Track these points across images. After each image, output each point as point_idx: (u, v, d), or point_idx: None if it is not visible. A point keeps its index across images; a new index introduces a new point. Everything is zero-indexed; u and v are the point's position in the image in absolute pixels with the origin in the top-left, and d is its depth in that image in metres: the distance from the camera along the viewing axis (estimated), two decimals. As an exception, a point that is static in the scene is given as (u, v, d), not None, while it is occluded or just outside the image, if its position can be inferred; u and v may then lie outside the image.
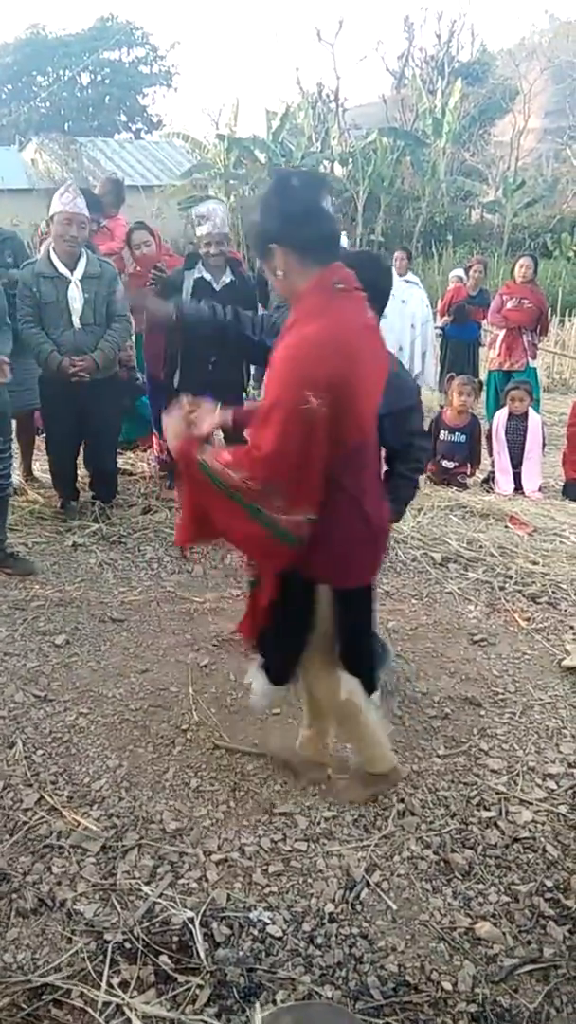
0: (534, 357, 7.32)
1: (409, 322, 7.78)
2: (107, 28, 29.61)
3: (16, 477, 4.86)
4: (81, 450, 4.46)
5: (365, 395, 1.96)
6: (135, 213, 14.41)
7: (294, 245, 1.92)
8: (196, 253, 4.49)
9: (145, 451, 5.37)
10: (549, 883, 2.12)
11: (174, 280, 4.56)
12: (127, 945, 1.91)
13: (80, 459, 4.52)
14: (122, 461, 5.11)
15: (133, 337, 4.93)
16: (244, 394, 5.02)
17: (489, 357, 7.58)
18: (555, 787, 2.47)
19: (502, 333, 7.08)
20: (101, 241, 4.97)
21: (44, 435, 4.77)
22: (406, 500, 2.76)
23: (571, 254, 19.15)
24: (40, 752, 2.57)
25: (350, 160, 20.27)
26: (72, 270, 3.95)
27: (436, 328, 8.53)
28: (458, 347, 8.29)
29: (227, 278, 4.44)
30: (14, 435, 4.90)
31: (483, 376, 7.51)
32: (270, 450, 1.86)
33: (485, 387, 7.28)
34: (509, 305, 6.99)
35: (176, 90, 44.45)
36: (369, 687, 2.29)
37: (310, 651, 2.23)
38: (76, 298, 3.96)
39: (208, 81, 68.07)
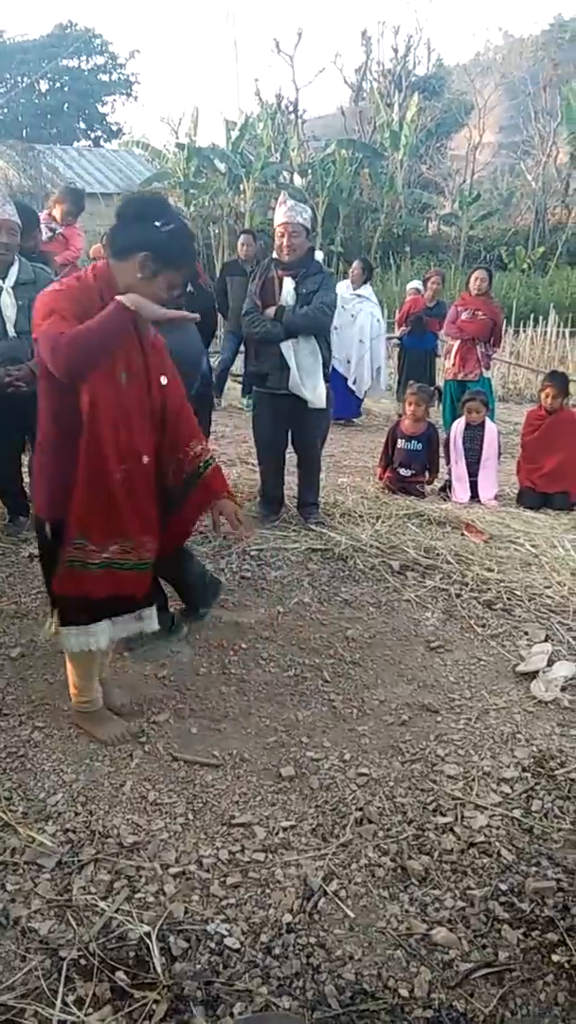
0: (488, 368, 7.46)
1: (357, 337, 7.86)
2: (66, 35, 29.48)
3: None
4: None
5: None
6: (95, 221, 14.33)
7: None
8: None
9: None
10: (504, 887, 2.14)
11: None
12: (82, 962, 1.89)
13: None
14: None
15: None
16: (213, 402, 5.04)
17: (445, 367, 7.71)
18: (509, 791, 2.50)
19: (457, 344, 7.20)
20: (56, 249, 4.91)
21: None
22: None
23: (525, 266, 19.57)
24: (-6, 767, 2.53)
25: (309, 171, 20.47)
26: (3, 278, 3.87)
27: (394, 339, 8.64)
28: (415, 357, 8.41)
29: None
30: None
31: (441, 385, 7.61)
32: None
33: (442, 396, 7.38)
34: (464, 316, 7.12)
35: (136, 98, 44.26)
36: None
37: None
38: (9, 305, 3.86)
39: (168, 90, 68.21)
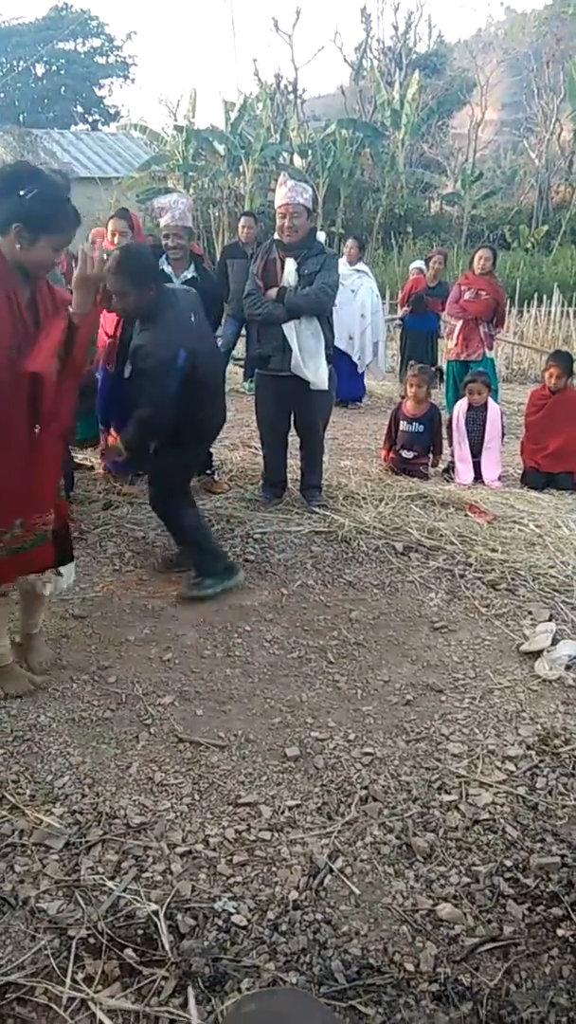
0: (491, 348, 7.40)
1: (359, 312, 7.84)
2: (62, 18, 29.18)
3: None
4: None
5: None
6: (93, 205, 14.24)
7: None
8: (159, 245, 4.46)
9: (95, 448, 5.27)
10: (508, 863, 2.16)
11: None
12: (91, 940, 1.91)
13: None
14: (81, 457, 5.07)
15: None
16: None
17: (447, 347, 7.65)
18: (514, 769, 2.51)
19: (459, 324, 7.14)
20: None
21: None
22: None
23: (529, 245, 19.41)
24: (1, 751, 2.54)
25: (309, 151, 20.29)
26: None
27: (396, 319, 8.59)
28: (417, 338, 8.36)
29: (189, 273, 4.42)
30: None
31: (443, 366, 7.58)
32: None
33: (444, 377, 7.35)
34: (467, 296, 7.05)
35: (133, 81, 43.84)
36: None
37: None
38: None
39: (165, 72, 67.55)
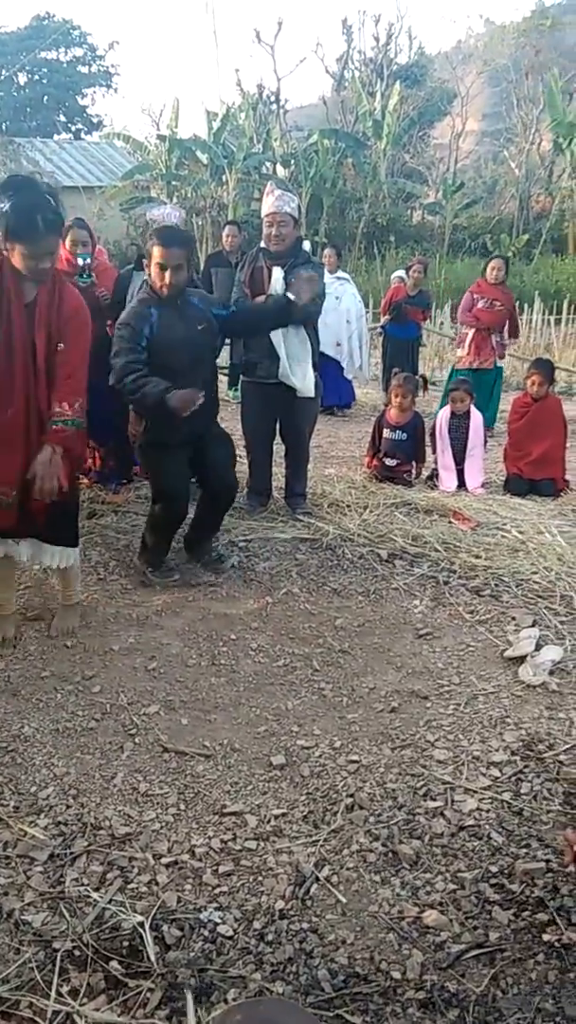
0: (502, 357, 7.44)
1: (344, 318, 7.92)
2: (44, 27, 29.20)
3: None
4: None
5: None
6: (76, 215, 14.24)
7: None
8: (144, 256, 4.47)
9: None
10: (494, 869, 2.16)
11: (123, 279, 4.54)
12: (76, 953, 1.90)
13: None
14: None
15: None
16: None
17: (458, 355, 7.67)
18: (499, 775, 2.52)
19: (471, 332, 7.15)
20: None
21: None
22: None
23: (509, 254, 19.56)
24: (-15, 762, 2.53)
25: (292, 161, 20.41)
26: None
27: (378, 327, 8.65)
28: (398, 346, 8.41)
29: None
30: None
31: (426, 374, 7.62)
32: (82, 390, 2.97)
33: (427, 386, 7.38)
34: (480, 305, 7.08)
35: (116, 90, 44.02)
36: None
37: None
38: None
39: (148, 81, 67.67)
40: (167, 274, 3.43)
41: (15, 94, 29.27)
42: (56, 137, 27.23)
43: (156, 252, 3.44)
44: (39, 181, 2.85)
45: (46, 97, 29.72)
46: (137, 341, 3.48)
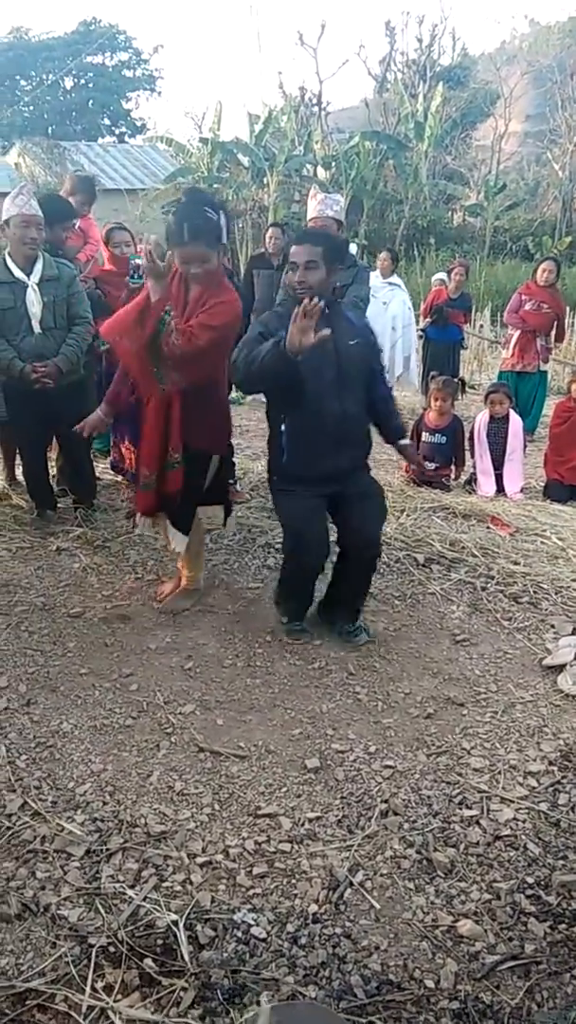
0: (546, 360, 7.37)
1: (390, 325, 7.85)
2: (90, 32, 29.58)
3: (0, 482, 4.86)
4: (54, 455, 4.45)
5: None
6: (119, 217, 14.37)
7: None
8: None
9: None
10: (530, 880, 2.14)
11: None
12: (111, 949, 1.92)
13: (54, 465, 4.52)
14: (101, 468, 5.08)
15: None
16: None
17: (502, 357, 7.62)
18: (536, 785, 2.49)
19: (516, 334, 7.10)
20: (75, 243, 4.89)
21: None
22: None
23: (558, 257, 19.29)
24: (24, 757, 2.57)
25: (333, 164, 20.36)
26: (29, 274, 3.85)
27: (418, 330, 8.59)
28: (438, 349, 8.34)
29: None
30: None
31: (465, 377, 7.56)
32: (202, 346, 2.91)
33: (465, 389, 7.31)
34: (527, 307, 7.03)
35: (159, 94, 44.30)
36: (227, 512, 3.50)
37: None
38: (34, 302, 3.87)
39: (191, 85, 68.15)
40: (296, 273, 3.02)
41: (61, 98, 29.70)
42: (100, 140, 27.57)
43: (290, 250, 3.16)
44: (204, 192, 3.07)
45: (91, 101, 30.10)
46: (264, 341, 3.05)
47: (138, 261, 4.48)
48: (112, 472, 5.04)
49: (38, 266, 3.88)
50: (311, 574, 3.27)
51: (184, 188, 3.16)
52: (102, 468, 5.07)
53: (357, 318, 3.25)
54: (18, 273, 3.84)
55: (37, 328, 3.91)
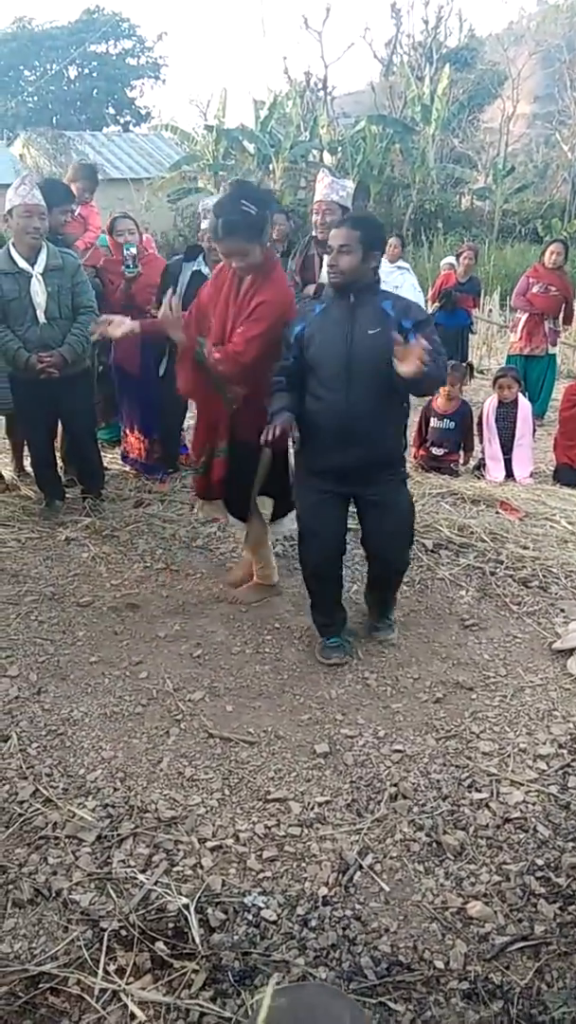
0: (554, 344, 7.30)
1: None
2: (94, 20, 29.40)
3: (8, 473, 4.87)
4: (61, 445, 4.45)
5: None
6: (124, 206, 14.31)
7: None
8: (199, 246, 4.48)
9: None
10: (540, 862, 2.14)
11: (172, 269, 4.54)
12: (123, 932, 1.94)
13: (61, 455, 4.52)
14: (110, 458, 5.10)
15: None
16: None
17: (510, 341, 7.56)
18: (545, 768, 2.49)
19: (524, 317, 7.04)
20: (75, 230, 4.87)
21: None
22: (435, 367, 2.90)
23: (565, 239, 19.12)
24: (35, 745, 2.59)
25: (339, 148, 20.21)
26: (33, 264, 3.84)
27: (427, 316, 8.52)
28: (447, 334, 8.24)
29: None
30: (3, 433, 4.92)
31: (473, 361, 7.51)
32: (246, 362, 2.96)
33: (473, 374, 7.28)
34: (535, 289, 6.97)
35: (164, 82, 43.99)
36: (286, 508, 3.38)
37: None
38: (39, 292, 3.86)
39: (196, 72, 67.76)
40: (330, 257, 2.89)
41: (66, 88, 29.55)
42: (105, 129, 27.46)
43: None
44: (247, 184, 3.12)
45: (96, 90, 29.95)
46: (287, 342, 2.98)
47: (133, 251, 4.46)
48: (121, 462, 5.06)
49: (42, 256, 3.87)
50: (316, 571, 3.12)
51: (229, 181, 3.11)
52: (110, 458, 5.09)
53: (397, 305, 2.88)
54: (22, 263, 3.84)
55: (42, 318, 3.90)
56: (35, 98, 28.69)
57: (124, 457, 5.05)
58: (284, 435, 2.87)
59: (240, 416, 3.12)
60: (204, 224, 4.37)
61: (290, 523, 3.41)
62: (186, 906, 1.99)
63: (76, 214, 4.89)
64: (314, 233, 4.40)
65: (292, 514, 3.33)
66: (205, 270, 4.37)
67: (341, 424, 2.86)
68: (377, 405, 2.86)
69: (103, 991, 1.80)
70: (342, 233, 2.84)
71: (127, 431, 4.96)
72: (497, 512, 4.54)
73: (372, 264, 2.87)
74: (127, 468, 5.05)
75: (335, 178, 4.35)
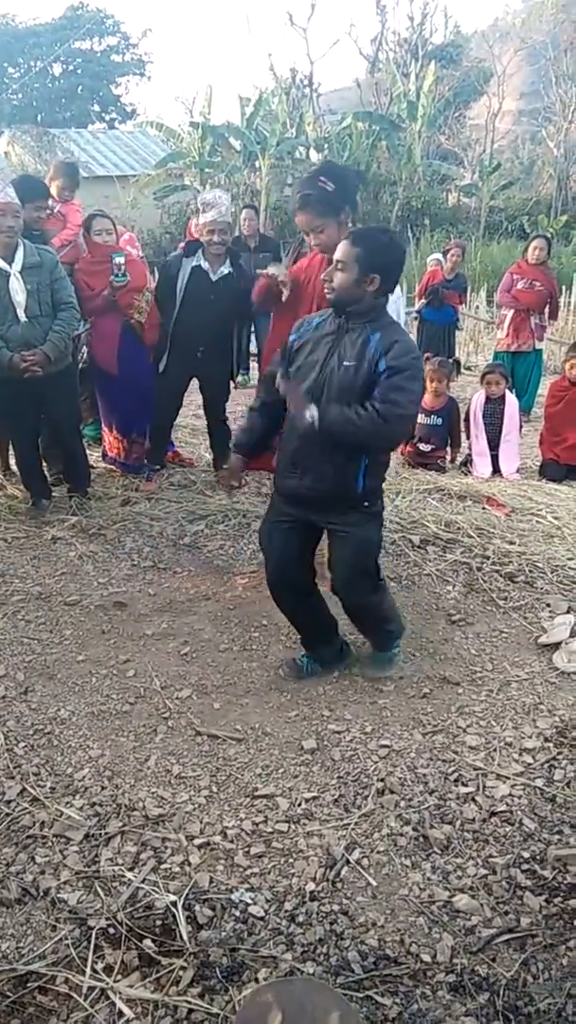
0: (541, 339, 7.32)
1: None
2: (78, 17, 29.25)
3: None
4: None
5: None
6: (110, 204, 14.25)
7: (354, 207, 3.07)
8: (198, 240, 4.45)
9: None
10: (526, 855, 2.15)
11: (171, 266, 4.51)
12: (111, 930, 1.94)
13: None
14: (95, 456, 5.08)
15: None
16: (231, 384, 5.02)
17: (497, 337, 7.58)
18: (532, 761, 2.51)
19: (510, 314, 7.06)
20: (54, 227, 4.82)
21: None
22: (343, 421, 2.60)
23: (548, 235, 19.18)
24: (22, 744, 2.58)
25: (325, 145, 20.22)
26: (10, 263, 3.81)
27: (413, 312, 8.55)
28: (433, 330, 8.32)
29: (225, 269, 4.41)
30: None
31: (460, 358, 7.53)
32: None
33: (460, 370, 7.29)
34: (520, 286, 6.98)
35: (149, 79, 43.88)
36: None
37: None
38: (18, 291, 3.83)
39: (181, 69, 67.48)
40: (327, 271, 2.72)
41: (50, 85, 29.40)
42: (90, 127, 27.32)
43: None
44: (334, 163, 3.08)
45: (80, 87, 29.81)
46: (283, 350, 2.82)
47: (119, 260, 4.37)
48: (104, 462, 5.05)
49: (19, 254, 3.84)
50: (272, 591, 2.97)
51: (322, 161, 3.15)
52: (96, 457, 5.07)
53: (384, 340, 2.58)
54: (0, 262, 3.81)
55: (23, 316, 3.88)
56: (19, 95, 28.54)
57: (104, 456, 5.04)
58: (233, 476, 2.93)
59: None
60: (204, 217, 4.34)
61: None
62: (174, 903, 1.99)
63: (56, 212, 4.86)
64: None
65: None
66: (204, 265, 4.35)
67: (300, 447, 2.68)
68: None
69: (91, 989, 1.80)
70: (342, 247, 2.59)
71: (106, 430, 4.95)
72: (484, 508, 4.56)
73: (368, 288, 2.56)
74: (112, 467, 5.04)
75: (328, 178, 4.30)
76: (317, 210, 2.96)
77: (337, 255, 2.60)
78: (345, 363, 2.59)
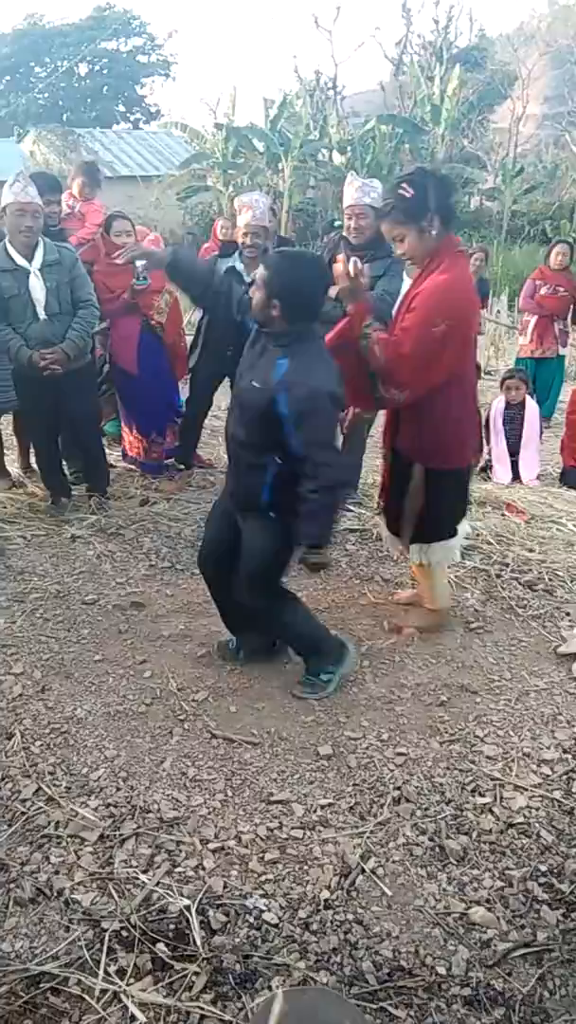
0: (564, 345, 7.28)
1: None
2: (104, 18, 29.45)
3: (15, 471, 4.88)
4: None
5: (470, 334, 2.99)
6: (134, 204, 14.30)
7: (443, 215, 2.83)
8: (235, 242, 4.45)
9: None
10: (543, 868, 2.13)
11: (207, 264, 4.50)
12: (124, 933, 1.93)
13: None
14: (115, 456, 5.09)
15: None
16: None
17: (519, 343, 7.55)
18: (550, 773, 2.48)
19: (534, 320, 7.03)
20: (74, 226, 4.82)
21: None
22: (314, 520, 2.63)
23: (570, 240, 19.05)
24: (39, 743, 2.58)
25: (348, 148, 20.17)
26: (30, 260, 3.82)
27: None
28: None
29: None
30: (11, 430, 4.92)
31: (480, 362, 7.47)
32: (406, 352, 2.76)
33: (480, 375, 7.23)
34: (543, 291, 6.95)
35: (174, 80, 44.06)
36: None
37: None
38: (38, 288, 3.84)
39: (206, 70, 67.79)
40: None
41: (76, 85, 29.59)
42: (115, 127, 27.47)
43: None
44: (423, 167, 2.99)
45: (106, 87, 29.98)
46: None
47: (141, 263, 4.36)
48: (124, 462, 5.06)
49: (39, 252, 3.85)
50: (200, 566, 3.08)
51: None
52: (115, 456, 5.08)
53: (289, 371, 2.55)
54: (19, 260, 3.82)
55: (42, 314, 3.89)
56: (45, 95, 28.74)
57: (124, 456, 5.05)
58: None
59: (401, 421, 3.02)
60: (240, 220, 4.32)
61: (458, 542, 3.26)
62: (187, 907, 1.98)
63: (77, 211, 4.87)
64: (346, 234, 4.28)
65: (461, 532, 3.26)
66: (239, 266, 4.34)
67: (229, 446, 2.87)
68: (254, 442, 2.68)
69: (103, 992, 1.79)
70: (260, 266, 2.66)
71: (126, 430, 4.96)
72: (503, 514, 4.52)
73: (272, 312, 2.55)
74: (132, 466, 5.05)
75: (364, 180, 4.26)
76: (396, 218, 2.89)
77: (257, 273, 2.65)
78: (254, 383, 2.62)
